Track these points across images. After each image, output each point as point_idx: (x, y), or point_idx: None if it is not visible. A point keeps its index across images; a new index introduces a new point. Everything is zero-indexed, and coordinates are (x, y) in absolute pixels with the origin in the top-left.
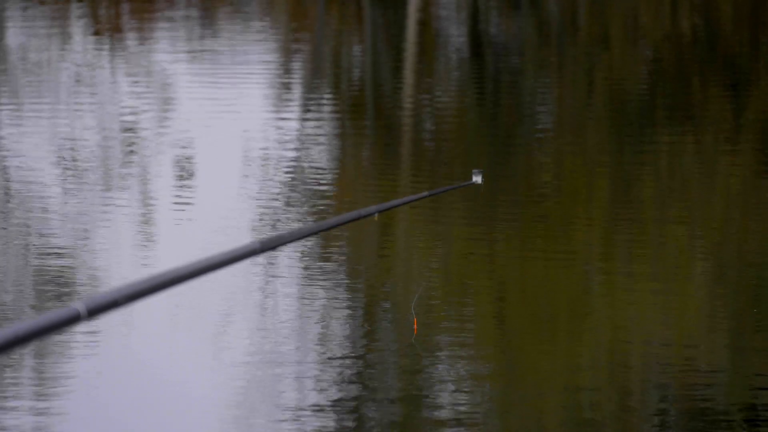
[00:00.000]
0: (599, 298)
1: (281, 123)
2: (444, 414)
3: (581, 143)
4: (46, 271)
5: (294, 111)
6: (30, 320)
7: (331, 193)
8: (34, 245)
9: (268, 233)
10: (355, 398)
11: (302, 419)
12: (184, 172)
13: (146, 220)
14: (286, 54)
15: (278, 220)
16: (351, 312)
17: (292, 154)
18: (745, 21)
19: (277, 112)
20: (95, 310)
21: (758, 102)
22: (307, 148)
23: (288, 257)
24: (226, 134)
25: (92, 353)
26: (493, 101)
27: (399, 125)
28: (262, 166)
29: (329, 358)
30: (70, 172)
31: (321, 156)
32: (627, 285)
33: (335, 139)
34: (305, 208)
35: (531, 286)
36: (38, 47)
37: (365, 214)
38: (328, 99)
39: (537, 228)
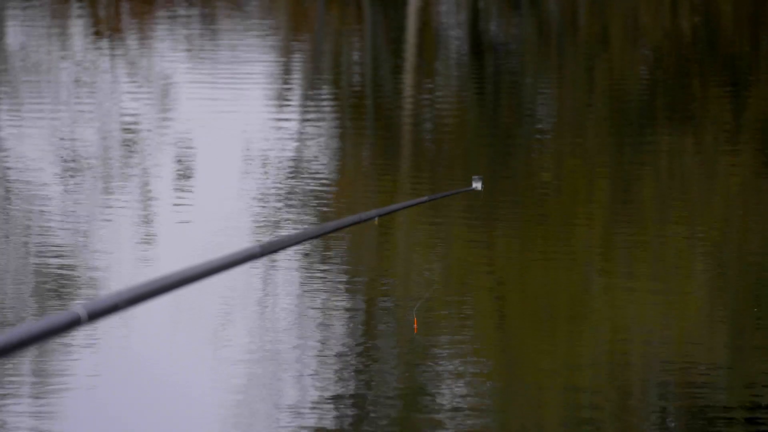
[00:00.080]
0: (599, 298)
1: (281, 123)
2: (444, 414)
3: (581, 143)
4: (46, 271)
5: (294, 111)
6: (30, 324)
7: (331, 193)
8: (34, 245)
9: (267, 234)
10: (353, 396)
11: (303, 416)
12: (184, 172)
13: (146, 220)
14: (286, 54)
15: (278, 220)
16: (351, 312)
17: (292, 154)
18: (745, 21)
19: (277, 112)
20: (96, 314)
21: (758, 102)
22: (307, 148)
23: (288, 257)
24: (226, 134)
25: (92, 353)
26: (493, 101)
27: (399, 125)
28: (262, 166)
29: (329, 357)
30: (70, 172)
31: (321, 156)
32: (627, 285)
33: (335, 139)
34: (305, 208)
35: (531, 286)
36: (38, 47)
37: (365, 218)
38: (328, 99)
39: (537, 228)
